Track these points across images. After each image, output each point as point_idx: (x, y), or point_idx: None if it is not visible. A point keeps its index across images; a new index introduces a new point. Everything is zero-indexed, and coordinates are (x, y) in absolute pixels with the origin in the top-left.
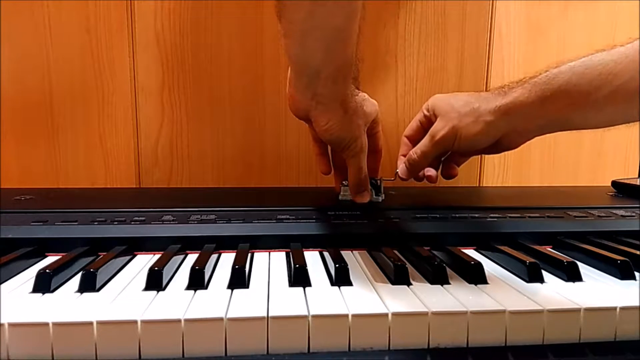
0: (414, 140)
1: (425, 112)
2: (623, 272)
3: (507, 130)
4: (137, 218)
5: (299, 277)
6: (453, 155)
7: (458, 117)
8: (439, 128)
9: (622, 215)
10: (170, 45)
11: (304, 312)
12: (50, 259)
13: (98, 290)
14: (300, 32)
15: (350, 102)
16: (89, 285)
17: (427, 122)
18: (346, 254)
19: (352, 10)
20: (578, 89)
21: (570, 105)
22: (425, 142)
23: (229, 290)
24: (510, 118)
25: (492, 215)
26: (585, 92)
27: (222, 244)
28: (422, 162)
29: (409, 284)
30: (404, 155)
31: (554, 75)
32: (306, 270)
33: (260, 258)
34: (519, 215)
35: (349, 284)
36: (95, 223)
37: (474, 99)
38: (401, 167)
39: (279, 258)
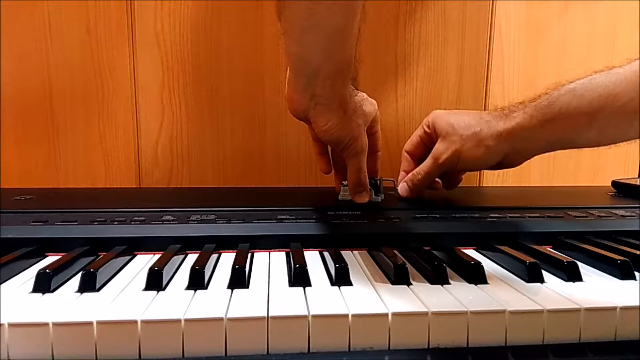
0: (415, 155)
1: (426, 129)
2: (623, 272)
3: (508, 153)
4: (137, 218)
5: (299, 277)
6: (454, 171)
7: (460, 140)
8: (442, 151)
9: (622, 215)
10: (170, 45)
11: (304, 312)
12: (50, 259)
13: (98, 290)
14: (299, 31)
15: (349, 102)
16: (89, 285)
17: (428, 138)
18: (346, 254)
19: (352, 10)
20: (578, 111)
21: (572, 127)
22: (428, 164)
23: (229, 290)
24: (512, 142)
25: (492, 215)
26: (586, 114)
27: (222, 244)
28: (425, 182)
29: (409, 284)
30: (405, 171)
31: (555, 98)
32: (306, 270)
33: (260, 258)
34: (519, 215)
35: (349, 284)
36: (95, 223)
37: (475, 122)
38: (402, 186)
39: (279, 258)
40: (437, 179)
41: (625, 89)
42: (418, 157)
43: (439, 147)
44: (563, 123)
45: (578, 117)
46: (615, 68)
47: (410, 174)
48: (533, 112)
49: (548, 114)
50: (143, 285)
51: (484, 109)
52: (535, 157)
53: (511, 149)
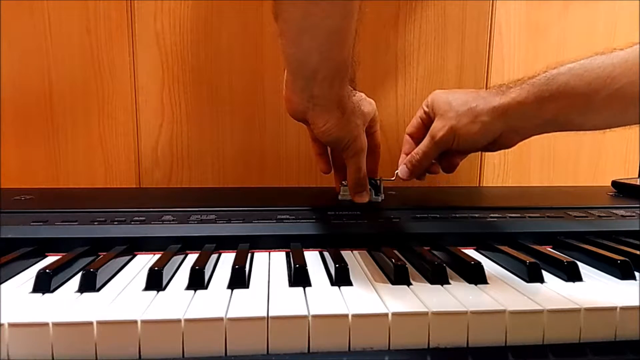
0: (416, 137)
1: (425, 108)
2: (623, 272)
3: (505, 130)
4: (137, 218)
5: (299, 277)
6: (452, 152)
7: (456, 116)
8: (438, 128)
9: (622, 215)
10: (170, 45)
11: (304, 312)
12: (50, 259)
13: (98, 290)
14: (296, 32)
15: (348, 102)
16: (89, 285)
17: (427, 119)
18: (346, 254)
19: (349, 11)
20: (576, 91)
21: (568, 106)
22: (425, 142)
23: (229, 290)
24: (508, 118)
25: (492, 215)
26: (583, 95)
27: (222, 244)
28: (424, 162)
29: (409, 284)
30: (406, 154)
31: (553, 76)
32: (306, 270)
33: (260, 258)
34: (519, 215)
35: (349, 284)
36: (95, 223)
37: (471, 98)
38: (402, 169)
39: (279, 258)
40: (435, 162)
41: (624, 72)
42: (419, 138)
43: (435, 125)
44: (560, 102)
45: (575, 97)
46: (616, 50)
47: (409, 156)
48: (530, 88)
49: (545, 91)
50: (143, 285)
51: None
52: (536, 157)
53: (506, 126)
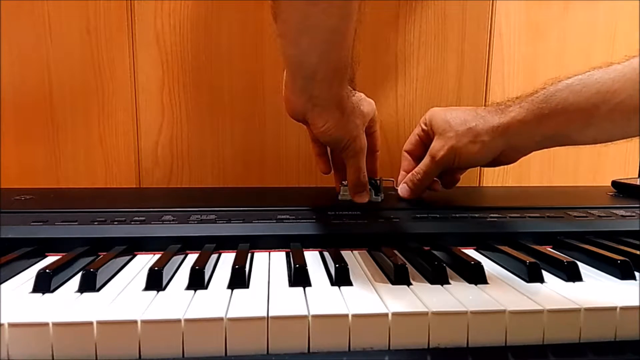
0: (414, 154)
1: (423, 127)
2: (623, 272)
3: (505, 148)
4: (137, 218)
5: (299, 277)
6: (453, 169)
7: (456, 136)
8: (438, 148)
9: (622, 215)
10: (170, 45)
11: (304, 312)
12: (50, 259)
13: (98, 290)
14: (295, 33)
15: (347, 103)
16: (89, 285)
17: (426, 136)
18: (346, 254)
19: (348, 12)
20: (575, 107)
21: (568, 122)
22: (426, 162)
23: (229, 290)
24: (508, 137)
25: (492, 215)
26: (583, 110)
27: (222, 244)
28: (425, 182)
29: (409, 284)
30: (406, 171)
31: (551, 93)
32: (306, 270)
33: (260, 258)
34: (519, 215)
35: (349, 284)
36: (95, 223)
37: (470, 117)
38: (403, 187)
39: (279, 258)
40: (436, 179)
41: (624, 86)
42: (418, 156)
43: (435, 144)
44: (559, 119)
45: (575, 113)
46: (613, 64)
47: (409, 175)
48: (529, 106)
49: (544, 109)
50: (143, 285)
51: None
52: (536, 157)
53: (506, 145)
